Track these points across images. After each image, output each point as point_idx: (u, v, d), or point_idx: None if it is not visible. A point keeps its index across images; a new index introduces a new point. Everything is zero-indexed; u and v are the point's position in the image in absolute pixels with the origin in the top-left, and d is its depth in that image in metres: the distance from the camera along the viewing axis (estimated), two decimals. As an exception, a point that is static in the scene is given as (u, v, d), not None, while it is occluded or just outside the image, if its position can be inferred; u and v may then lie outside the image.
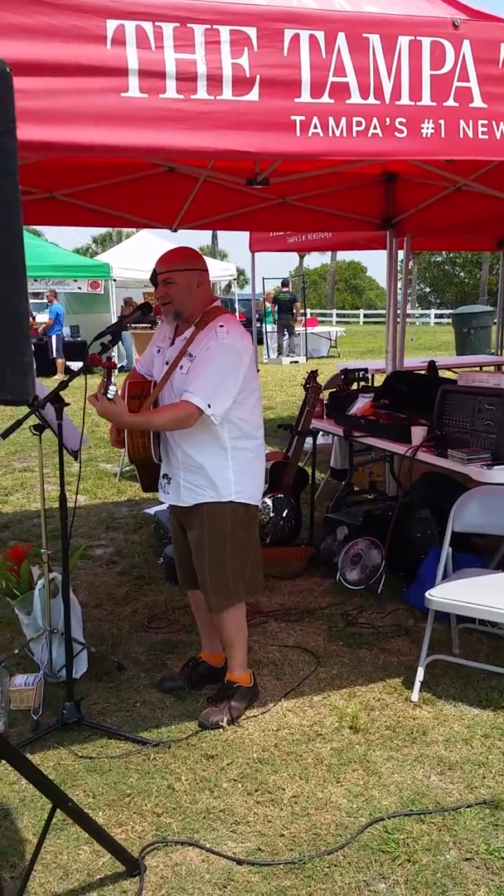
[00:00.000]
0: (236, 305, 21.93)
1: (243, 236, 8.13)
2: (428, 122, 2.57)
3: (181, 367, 3.19)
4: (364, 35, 2.46)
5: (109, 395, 2.93)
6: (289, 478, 5.31)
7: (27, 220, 5.69)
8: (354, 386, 5.95)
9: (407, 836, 2.66)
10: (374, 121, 2.51)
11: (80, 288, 17.63)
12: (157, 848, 2.63)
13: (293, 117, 2.44)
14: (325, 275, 55.91)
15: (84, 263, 18.26)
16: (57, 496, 3.33)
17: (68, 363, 17.53)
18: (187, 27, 2.30)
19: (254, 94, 2.39)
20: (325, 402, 5.66)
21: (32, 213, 5.26)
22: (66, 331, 18.54)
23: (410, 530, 4.75)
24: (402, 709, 3.45)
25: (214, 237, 49.52)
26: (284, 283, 22.44)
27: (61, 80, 2.21)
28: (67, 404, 3.24)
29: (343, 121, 2.48)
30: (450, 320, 23.93)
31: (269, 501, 5.23)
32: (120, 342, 17.30)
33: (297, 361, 20.49)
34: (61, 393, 3.16)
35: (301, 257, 45.57)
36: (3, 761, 2.90)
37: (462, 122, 2.60)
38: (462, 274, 51.06)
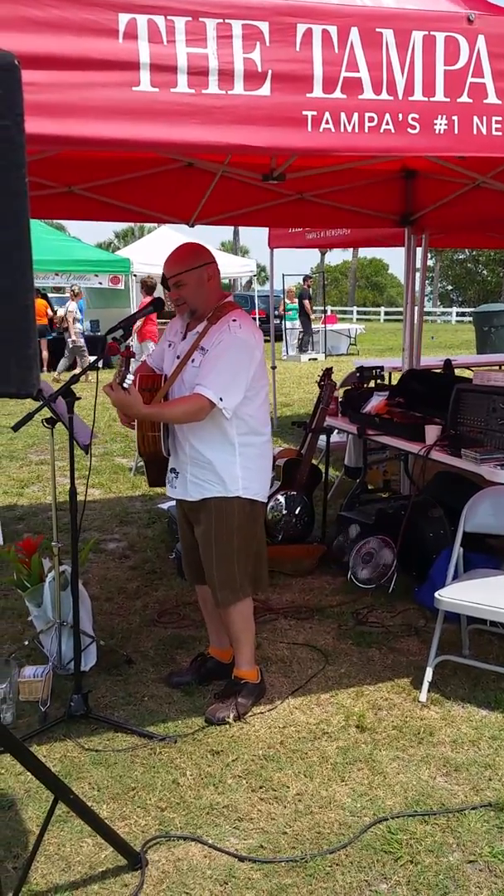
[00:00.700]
0: (256, 302, 21.92)
1: (264, 233, 8.13)
2: (441, 118, 2.54)
3: (193, 361, 3.19)
4: (377, 30, 2.44)
5: (125, 385, 2.94)
6: (302, 475, 5.30)
7: (48, 214, 5.71)
8: (370, 384, 5.93)
9: (410, 837, 2.65)
10: (387, 116, 2.49)
11: (100, 283, 17.67)
12: (160, 842, 2.63)
13: (305, 112, 2.42)
14: (347, 272, 55.71)
15: (105, 258, 18.29)
16: (68, 489, 3.34)
17: (88, 357, 17.60)
18: (199, 21, 2.29)
19: (265, 89, 2.38)
20: (340, 399, 5.64)
21: (52, 207, 5.27)
22: (86, 325, 18.60)
23: (423, 530, 4.72)
24: (409, 709, 3.43)
25: (236, 233, 49.50)
26: (305, 279, 22.40)
27: (72, 73, 2.21)
28: (79, 398, 3.25)
29: (355, 116, 2.46)
30: (471, 318, 23.78)
31: (281, 498, 5.22)
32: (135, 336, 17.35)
33: (315, 359, 20.45)
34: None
35: (322, 254, 45.40)
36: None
37: (476, 119, 2.57)
38: (485, 272, 50.72)
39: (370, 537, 4.81)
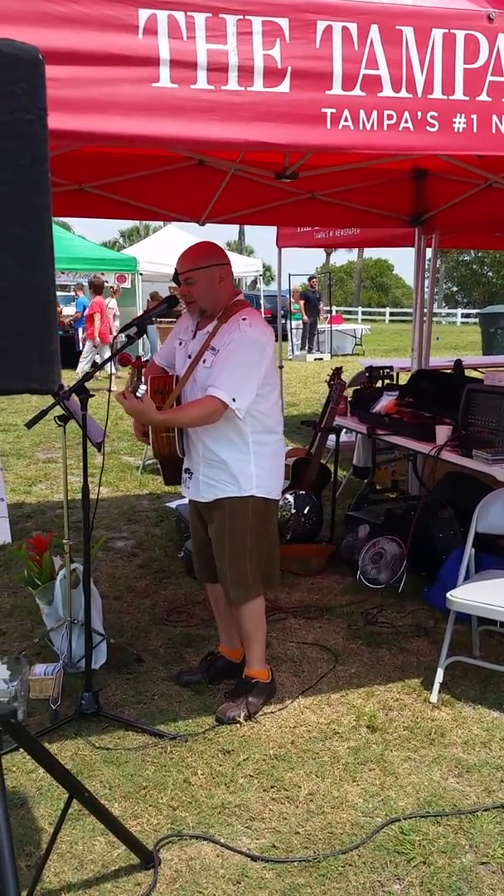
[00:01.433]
0: (262, 302, 21.90)
1: (270, 232, 8.14)
2: (460, 117, 2.53)
3: (204, 361, 3.18)
4: (397, 27, 2.43)
5: (139, 395, 2.94)
6: (311, 475, 5.29)
7: (58, 212, 5.69)
8: (379, 384, 5.91)
9: (423, 838, 2.64)
10: (406, 114, 2.48)
11: (106, 282, 17.69)
12: (172, 841, 2.63)
13: (324, 110, 2.41)
14: (352, 272, 55.66)
15: (111, 257, 18.30)
16: (79, 487, 3.33)
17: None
18: (219, 17, 2.28)
19: (285, 86, 2.37)
20: (350, 399, 5.63)
21: (62, 205, 5.26)
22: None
23: (433, 530, 4.71)
24: (420, 710, 3.42)
25: (241, 233, 49.43)
26: (310, 279, 22.40)
27: (92, 69, 2.19)
28: (92, 395, 3.23)
29: (374, 114, 2.45)
30: (476, 320, 23.75)
31: (290, 498, 5.21)
32: (145, 335, 17.34)
33: (321, 359, 20.43)
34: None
35: (328, 254, 45.34)
36: (21, 750, 2.92)
37: (495, 117, 2.56)
38: (490, 273, 50.65)
39: (380, 537, 4.80)
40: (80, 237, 21.16)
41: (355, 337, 23.32)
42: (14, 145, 1.64)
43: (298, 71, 2.37)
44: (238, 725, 3.28)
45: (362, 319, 38.24)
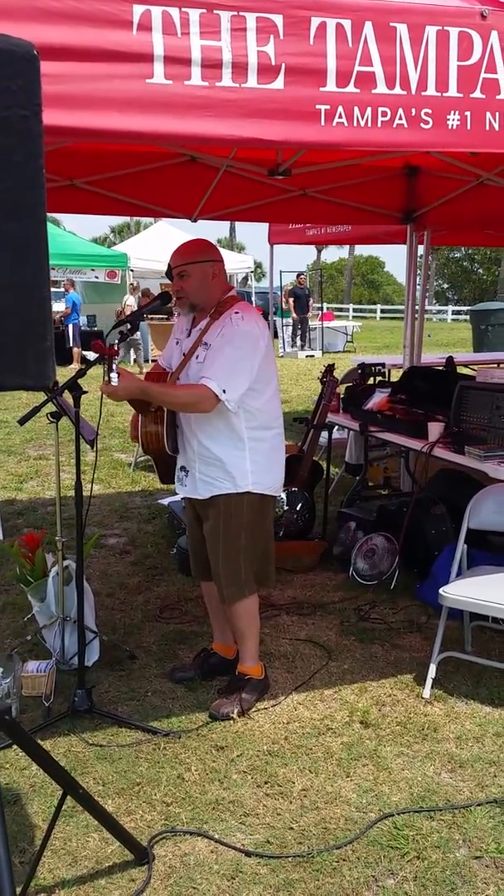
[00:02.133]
0: (253, 298, 21.88)
1: (261, 229, 8.12)
2: (454, 114, 2.53)
3: (197, 357, 3.19)
4: (391, 24, 2.43)
5: (114, 383, 2.92)
6: (303, 472, 5.30)
7: (50, 208, 5.65)
8: (371, 381, 5.92)
9: (416, 833, 2.65)
10: (400, 111, 2.48)
11: (97, 277, 17.66)
12: (166, 837, 2.63)
13: (318, 106, 2.41)
14: (343, 269, 55.69)
15: (102, 253, 18.28)
16: (71, 484, 3.33)
17: (84, 353, 17.55)
18: (214, 14, 2.27)
19: (279, 83, 2.36)
20: (342, 396, 5.64)
21: (53, 201, 5.24)
22: (82, 320, 18.55)
23: (425, 527, 4.72)
24: (413, 705, 3.43)
25: (232, 229, 49.47)
26: (298, 276, 22.41)
27: (87, 65, 2.18)
28: (85, 392, 3.23)
29: (368, 111, 2.45)
30: (467, 317, 23.82)
31: (283, 495, 5.21)
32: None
33: (312, 356, 20.45)
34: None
35: (318, 251, 45.37)
36: (14, 746, 2.92)
37: (488, 114, 2.56)
38: (480, 270, 50.74)
39: (372, 534, 4.81)
40: (71, 233, 21.13)
41: (346, 334, 23.35)
42: (9, 141, 1.64)
43: (292, 67, 2.37)
44: (231, 722, 3.28)
45: (353, 316, 38.30)
